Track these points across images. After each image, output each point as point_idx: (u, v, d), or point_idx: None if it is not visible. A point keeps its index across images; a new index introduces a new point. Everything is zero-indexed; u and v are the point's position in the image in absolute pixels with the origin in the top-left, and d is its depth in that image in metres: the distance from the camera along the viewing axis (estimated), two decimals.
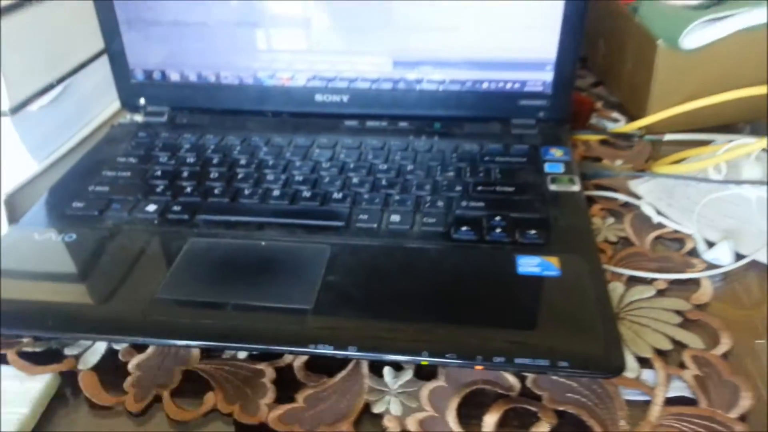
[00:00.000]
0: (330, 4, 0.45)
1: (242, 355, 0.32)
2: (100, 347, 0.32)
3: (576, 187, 0.39)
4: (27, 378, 0.30)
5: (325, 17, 0.46)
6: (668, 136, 0.50)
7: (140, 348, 0.32)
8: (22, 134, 0.43)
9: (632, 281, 0.36)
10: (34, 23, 0.44)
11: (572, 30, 0.43)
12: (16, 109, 0.43)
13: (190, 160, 0.45)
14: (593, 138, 0.50)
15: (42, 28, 0.45)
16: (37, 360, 0.31)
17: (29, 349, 0.32)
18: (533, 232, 0.35)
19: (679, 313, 0.33)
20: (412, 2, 0.44)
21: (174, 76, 0.49)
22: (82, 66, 0.49)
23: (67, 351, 0.32)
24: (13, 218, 0.41)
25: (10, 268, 0.35)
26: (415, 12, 0.45)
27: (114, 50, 0.48)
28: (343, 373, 0.30)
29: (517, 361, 0.28)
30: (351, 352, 0.29)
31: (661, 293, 0.35)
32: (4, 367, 0.31)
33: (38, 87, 0.45)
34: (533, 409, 0.28)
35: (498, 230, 0.36)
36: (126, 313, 0.32)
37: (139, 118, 0.51)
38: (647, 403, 0.28)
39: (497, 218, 0.37)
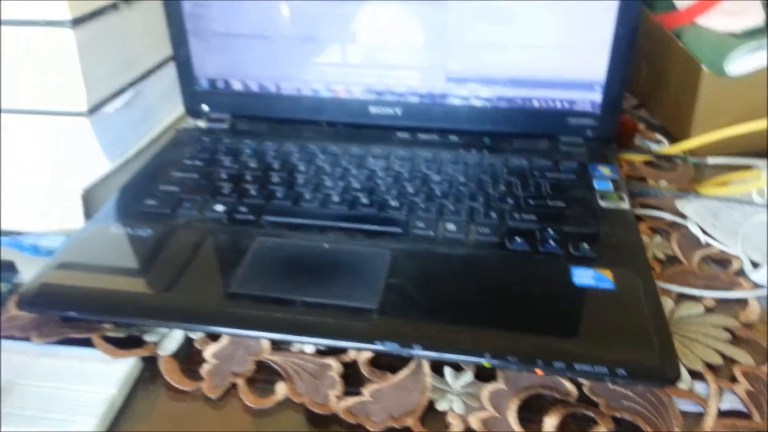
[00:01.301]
0: (386, 22, 0.47)
1: (309, 349, 0.34)
2: (177, 335, 0.34)
3: (625, 205, 0.41)
4: (111, 361, 0.32)
5: (381, 34, 0.48)
6: (711, 159, 0.51)
7: (215, 338, 0.34)
8: (98, 134, 0.46)
9: (681, 298, 0.37)
10: (110, 30, 0.47)
11: (622, 52, 0.45)
12: (93, 110, 0.45)
13: (252, 164, 0.47)
14: (638, 158, 0.51)
15: (117, 35, 0.48)
16: (119, 345, 0.33)
17: (112, 335, 0.34)
18: (586, 245, 0.37)
19: (727, 330, 0.35)
20: (466, 21, 0.46)
21: (236, 85, 0.52)
22: (151, 72, 0.52)
23: (147, 338, 0.34)
24: (87, 213, 0.43)
25: (90, 258, 0.38)
26: (468, 30, 0.47)
27: (181, 59, 0.51)
28: (406, 371, 0.32)
29: (577, 367, 0.29)
30: (416, 351, 0.31)
31: (709, 310, 0.36)
32: (88, 350, 0.33)
33: (113, 90, 0.47)
34: (591, 414, 0.30)
35: (551, 242, 0.37)
36: (202, 304, 0.34)
37: (201, 124, 0.53)
38: (701, 415, 0.30)
39: (550, 231, 0.38)
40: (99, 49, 0.46)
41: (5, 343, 0.34)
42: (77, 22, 0.43)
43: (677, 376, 0.29)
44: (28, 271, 0.39)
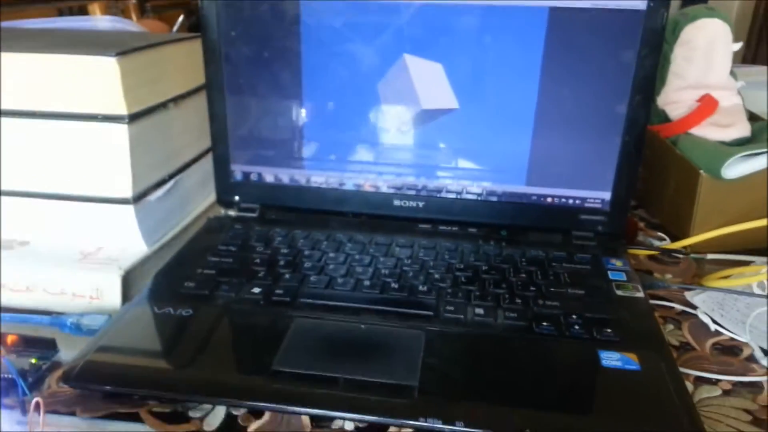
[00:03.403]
0: (412, 128, 0.52)
1: (349, 426, 0.35)
2: (220, 411, 0.35)
3: (640, 294, 0.44)
4: None
5: (407, 137, 0.52)
6: (710, 255, 0.55)
7: (257, 414, 0.35)
8: (139, 221, 0.48)
9: (699, 381, 0.39)
10: (158, 127, 0.51)
11: (630, 155, 0.49)
12: (137, 199, 0.48)
13: (284, 250, 0.49)
14: (643, 253, 0.55)
15: (164, 131, 0.52)
16: (166, 419, 0.34)
17: (158, 410, 0.35)
18: (609, 330, 0.39)
19: (747, 411, 0.36)
20: (486, 132, 0.51)
21: (269, 178, 0.55)
22: (190, 164, 0.56)
23: (191, 414, 0.35)
24: (124, 295, 0.45)
25: (133, 337, 0.39)
26: (487, 141, 0.51)
27: (219, 154, 0.55)
28: None
29: None
30: (459, 427, 0.32)
31: (726, 393, 0.38)
32: (133, 425, 0.34)
33: (155, 180, 0.51)
34: None
35: (576, 327, 0.40)
36: (246, 381, 0.35)
37: (232, 212, 0.56)
38: None
39: (574, 316, 0.41)
40: (147, 143, 0.50)
41: (50, 418, 0.34)
42: (132, 118, 0.47)
43: None
44: (69, 350, 0.40)
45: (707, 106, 0.59)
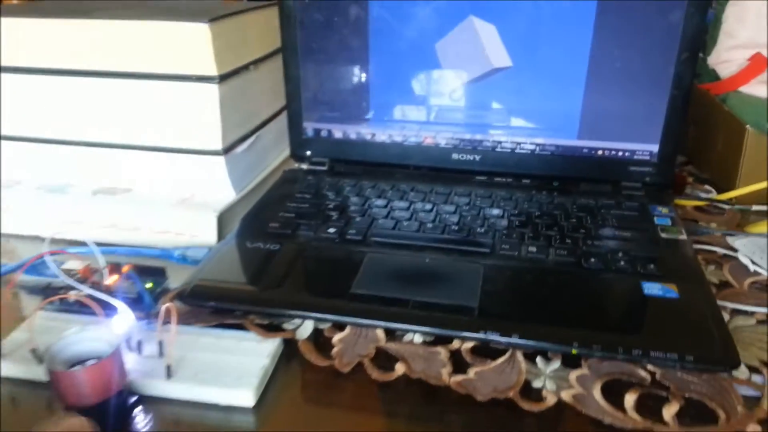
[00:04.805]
0: (470, 87, 0.56)
1: (417, 340, 0.40)
2: (308, 326, 0.41)
3: (684, 237, 0.48)
4: (259, 341, 0.39)
5: (465, 95, 0.57)
6: (755, 207, 0.57)
7: (339, 329, 0.41)
8: (229, 170, 0.55)
9: (735, 312, 0.43)
10: (242, 87, 0.57)
11: (677, 109, 0.53)
12: (226, 150, 0.55)
13: (354, 198, 0.55)
14: (689, 203, 0.58)
15: (247, 90, 0.58)
16: (265, 330, 0.41)
17: (258, 322, 0.41)
18: (652, 266, 0.43)
19: None
20: (540, 89, 0.55)
21: (337, 134, 0.61)
22: (267, 122, 0.62)
23: (285, 326, 0.41)
24: (219, 233, 0.52)
25: (232, 265, 0.46)
26: (541, 97, 0.55)
27: (293, 112, 0.61)
28: (504, 358, 0.38)
29: (652, 354, 0.35)
30: (515, 339, 0.37)
31: (761, 323, 0.42)
32: (239, 332, 0.40)
33: (240, 135, 0.57)
34: (664, 394, 0.35)
35: (622, 263, 0.44)
36: (331, 301, 0.41)
37: (304, 166, 0.62)
38: (758, 399, 0.35)
39: (620, 254, 0.45)
40: (233, 102, 0.56)
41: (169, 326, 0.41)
42: (222, 79, 0.53)
43: (738, 363, 0.35)
44: (176, 277, 0.47)
45: (757, 64, 0.61)
